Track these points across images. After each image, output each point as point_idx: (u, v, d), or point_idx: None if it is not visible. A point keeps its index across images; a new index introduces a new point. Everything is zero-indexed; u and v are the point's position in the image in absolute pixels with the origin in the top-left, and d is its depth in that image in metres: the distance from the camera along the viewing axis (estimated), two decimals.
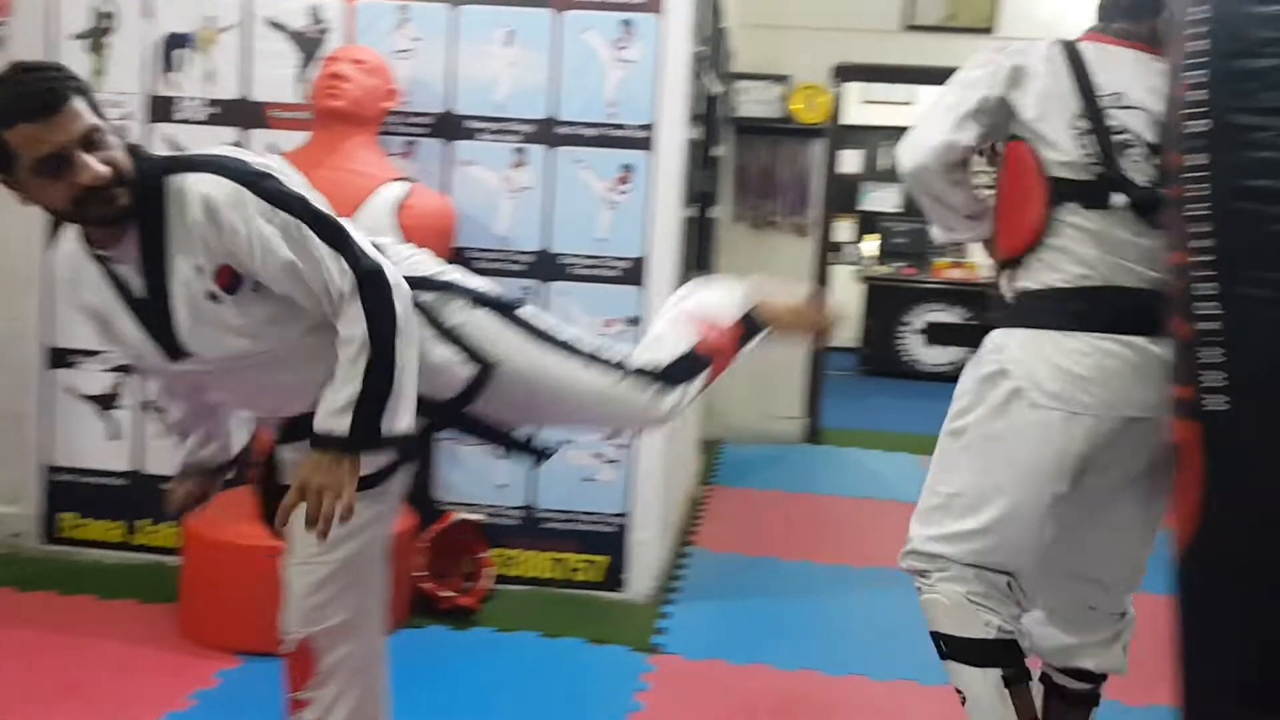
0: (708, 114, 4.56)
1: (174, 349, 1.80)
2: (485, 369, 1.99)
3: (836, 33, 5.98)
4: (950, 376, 8.73)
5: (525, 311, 2.11)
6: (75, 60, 3.56)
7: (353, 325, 1.73)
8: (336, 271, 1.72)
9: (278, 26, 3.62)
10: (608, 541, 3.65)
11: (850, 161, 9.89)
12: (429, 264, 2.07)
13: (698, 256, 4.47)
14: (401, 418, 1.77)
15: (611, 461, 3.64)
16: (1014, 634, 2.16)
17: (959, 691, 2.25)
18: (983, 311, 7.28)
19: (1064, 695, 2.38)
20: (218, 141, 3.28)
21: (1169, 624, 1.70)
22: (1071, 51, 2.08)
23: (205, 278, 1.73)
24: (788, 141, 6.08)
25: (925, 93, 9.31)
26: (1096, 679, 2.36)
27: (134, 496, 3.74)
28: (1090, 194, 1.97)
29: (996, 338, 2.16)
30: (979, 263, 8.78)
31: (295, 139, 3.45)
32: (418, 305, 1.89)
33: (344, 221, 1.81)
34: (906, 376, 8.56)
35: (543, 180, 3.58)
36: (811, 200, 6.15)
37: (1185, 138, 1.32)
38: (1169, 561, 1.45)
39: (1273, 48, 1.22)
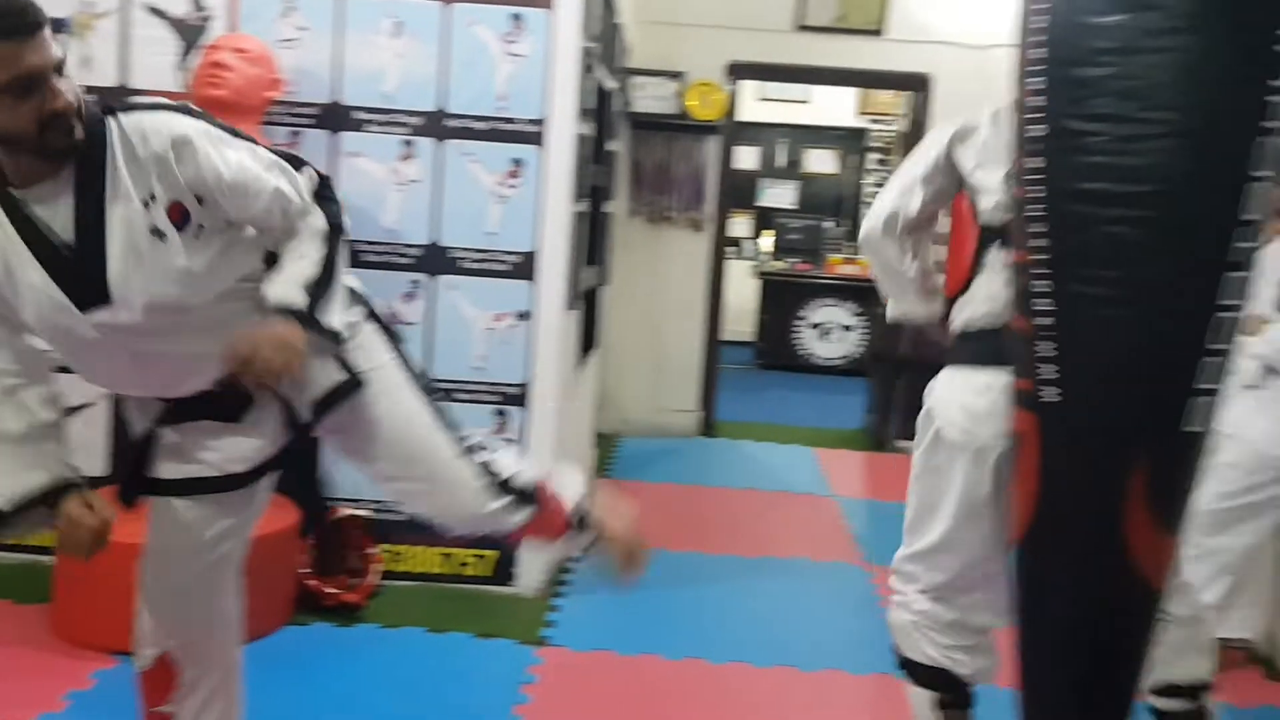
0: (601, 109, 4.58)
1: (92, 297, 1.75)
2: (353, 381, 1.99)
3: (730, 31, 6.05)
4: (842, 370, 8.92)
5: (406, 349, 2.13)
6: None
7: (315, 220, 1.85)
8: (301, 180, 1.87)
9: (157, 13, 3.53)
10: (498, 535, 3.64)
11: (747, 158, 10.01)
12: None
13: (591, 251, 4.48)
14: (336, 315, 1.85)
15: None
16: (949, 666, 2.27)
17: None
18: (873, 308, 7.44)
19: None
20: None
21: None
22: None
23: (156, 210, 1.75)
24: (683, 137, 6.13)
25: (819, 92, 9.52)
26: (1192, 692, 2.33)
27: None
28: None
29: (935, 379, 2.30)
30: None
31: None
32: None
33: None
34: (801, 370, 8.70)
35: (431, 173, 3.56)
36: (707, 196, 6.21)
37: (1026, 142, 1.38)
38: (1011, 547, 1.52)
39: (1105, 57, 1.28)
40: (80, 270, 1.74)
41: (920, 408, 2.31)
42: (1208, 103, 1.27)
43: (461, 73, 3.55)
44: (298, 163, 1.94)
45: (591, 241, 4.46)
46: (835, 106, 9.76)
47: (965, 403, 2.13)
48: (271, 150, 1.91)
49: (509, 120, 3.56)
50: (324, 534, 3.40)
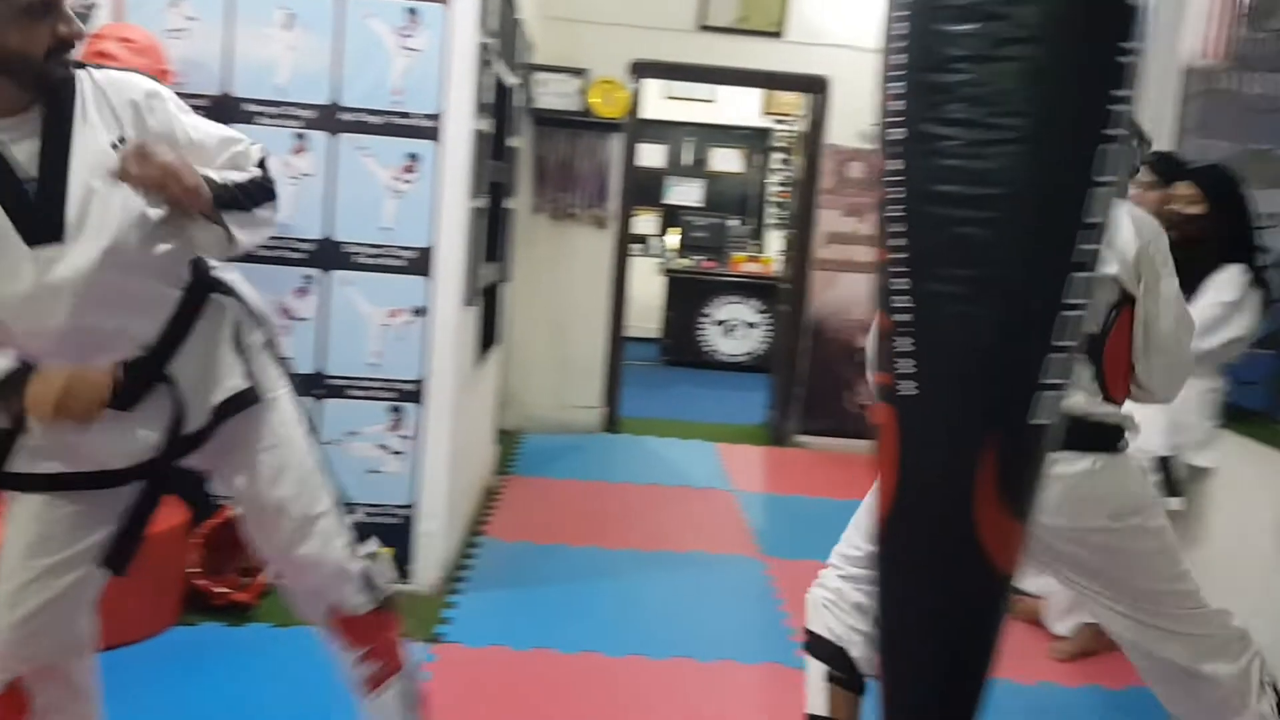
0: (501, 105, 4.57)
1: (44, 231, 1.75)
2: (253, 391, 2.01)
3: (633, 29, 6.08)
4: (746, 367, 9.03)
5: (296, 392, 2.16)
6: None
7: (255, 168, 1.98)
8: (253, 146, 2.02)
9: None
10: (393, 533, 3.62)
11: (653, 156, 10.07)
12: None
13: (491, 248, 4.47)
14: (243, 235, 1.92)
15: (397, 453, 3.62)
16: (845, 645, 2.36)
17: None
18: (775, 304, 7.55)
19: None
20: None
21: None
22: None
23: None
24: (586, 135, 6.14)
25: (725, 92, 9.61)
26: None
27: None
28: None
29: None
30: (772, 256, 9.12)
31: None
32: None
33: None
34: (706, 366, 8.79)
35: (325, 167, 3.52)
36: (611, 193, 6.23)
37: (887, 145, 1.43)
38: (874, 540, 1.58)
39: (959, 64, 1.34)
40: (38, 203, 1.76)
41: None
42: (1054, 110, 1.33)
43: (356, 66, 3.52)
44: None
45: (491, 238, 4.45)
46: (740, 106, 9.87)
47: None
48: None
49: (404, 115, 3.54)
50: (214, 533, 3.34)
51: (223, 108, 3.46)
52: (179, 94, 3.32)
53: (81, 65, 1.85)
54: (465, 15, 3.55)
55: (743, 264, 8.98)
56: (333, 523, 2.13)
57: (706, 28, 6.17)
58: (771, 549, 4.49)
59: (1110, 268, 2.18)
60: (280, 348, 2.17)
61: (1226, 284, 3.17)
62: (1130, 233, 2.21)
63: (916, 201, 1.38)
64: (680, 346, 8.90)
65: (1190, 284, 3.24)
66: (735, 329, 8.88)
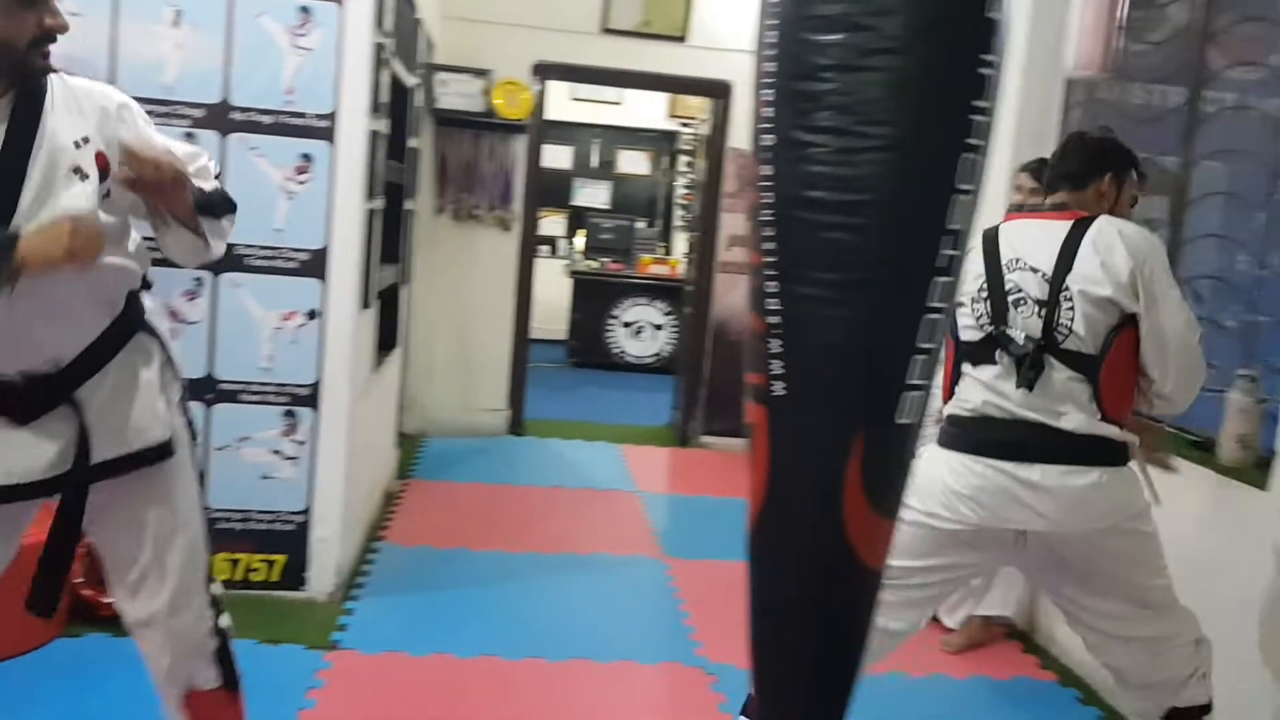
0: (400, 105, 4.53)
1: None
2: (170, 445, 1.99)
3: (537, 31, 6.07)
4: (653, 368, 9.06)
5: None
6: None
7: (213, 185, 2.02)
8: (210, 161, 2.07)
9: None
10: (287, 540, 3.57)
11: (560, 157, 10.06)
12: None
13: (389, 249, 4.42)
14: (215, 243, 2.03)
15: (291, 459, 3.56)
16: None
17: None
18: (681, 306, 7.60)
19: None
20: None
21: None
22: (988, 234, 2.48)
23: (85, 151, 1.83)
24: (490, 135, 6.11)
25: (631, 94, 9.64)
26: (1194, 714, 2.47)
27: None
28: (979, 352, 2.40)
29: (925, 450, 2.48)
30: (679, 259, 9.17)
31: None
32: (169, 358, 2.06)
33: None
34: (613, 368, 8.81)
35: (215, 167, 3.44)
36: (515, 195, 6.21)
37: (758, 150, 1.46)
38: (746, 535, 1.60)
39: (826, 73, 1.37)
40: None
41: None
42: (917, 119, 1.37)
43: (247, 65, 3.45)
44: None
45: (389, 239, 4.40)
46: (647, 109, 9.91)
47: (945, 479, 2.39)
48: None
49: (298, 115, 3.49)
50: None
51: None
52: None
53: (54, 70, 1.86)
54: (360, 14, 3.51)
55: (650, 266, 9.03)
56: (207, 593, 2.10)
57: (610, 30, 6.19)
58: (674, 549, 4.52)
59: (1105, 290, 2.27)
60: (188, 403, 2.15)
61: None
62: (1123, 253, 2.29)
63: (786, 206, 1.41)
64: (587, 348, 8.91)
65: None
66: (642, 331, 8.92)
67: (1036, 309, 2.34)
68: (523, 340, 6.39)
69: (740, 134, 6.20)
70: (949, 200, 1.40)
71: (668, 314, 8.82)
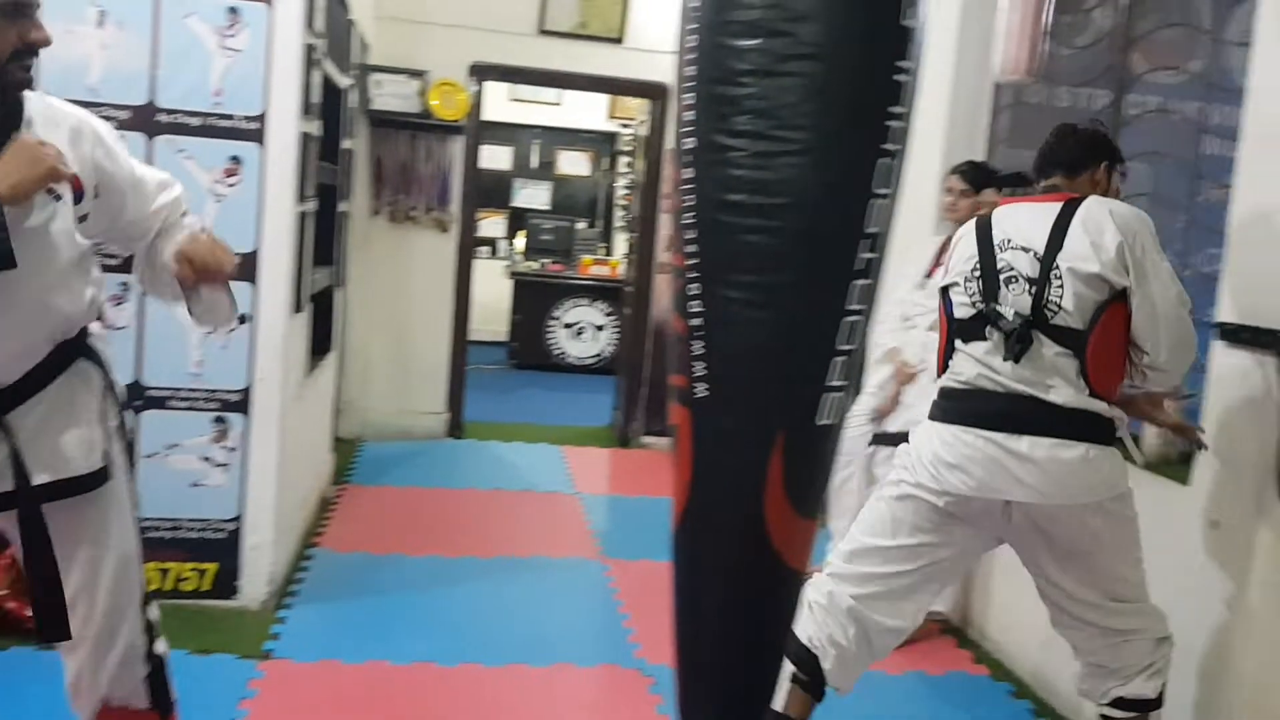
0: (333, 106, 4.48)
1: None
2: (105, 473, 1.96)
3: (473, 32, 6.04)
4: (595, 369, 9.06)
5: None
6: None
7: (194, 220, 2.04)
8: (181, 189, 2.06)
9: None
10: (218, 548, 3.52)
11: (500, 158, 10.02)
12: None
13: (323, 252, 4.37)
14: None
15: (221, 465, 3.51)
16: (818, 651, 2.37)
17: None
18: (622, 307, 7.60)
19: None
20: None
21: None
22: (982, 219, 2.49)
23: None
24: (427, 136, 6.06)
25: (571, 95, 9.62)
26: (1139, 706, 2.53)
27: None
28: (970, 329, 2.42)
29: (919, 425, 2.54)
30: (619, 259, 9.17)
31: None
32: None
33: None
34: (554, 369, 8.79)
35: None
36: (453, 196, 6.17)
37: (680, 154, 1.46)
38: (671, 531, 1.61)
39: (745, 78, 1.38)
40: None
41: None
42: (834, 124, 1.39)
43: (174, 65, 3.40)
44: None
45: (323, 242, 4.35)
46: (587, 110, 9.89)
47: (935, 450, 2.39)
48: None
49: (226, 116, 3.44)
50: None
51: None
52: None
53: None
54: (290, 15, 3.47)
55: (591, 267, 9.02)
56: (141, 618, 2.06)
57: (547, 32, 6.18)
58: (613, 550, 4.52)
59: (1093, 267, 2.33)
60: (130, 431, 2.12)
61: None
62: (1112, 230, 2.35)
63: (707, 210, 1.42)
64: (528, 350, 8.87)
65: None
66: (583, 332, 8.91)
67: (1027, 286, 2.39)
68: (461, 342, 6.35)
69: None
70: (867, 204, 1.42)
71: (609, 315, 8.81)
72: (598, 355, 8.88)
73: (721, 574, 1.53)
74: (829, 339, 1.43)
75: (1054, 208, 2.42)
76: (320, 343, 4.51)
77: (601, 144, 10.44)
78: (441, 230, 6.18)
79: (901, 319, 3.96)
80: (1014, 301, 2.39)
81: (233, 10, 3.42)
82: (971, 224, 2.54)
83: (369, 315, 6.02)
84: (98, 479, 1.95)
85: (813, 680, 2.40)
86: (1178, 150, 3.46)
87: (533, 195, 10.39)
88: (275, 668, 3.18)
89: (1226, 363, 2.67)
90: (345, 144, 5.02)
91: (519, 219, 10.03)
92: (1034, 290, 2.38)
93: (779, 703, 2.45)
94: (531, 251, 9.27)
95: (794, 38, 1.35)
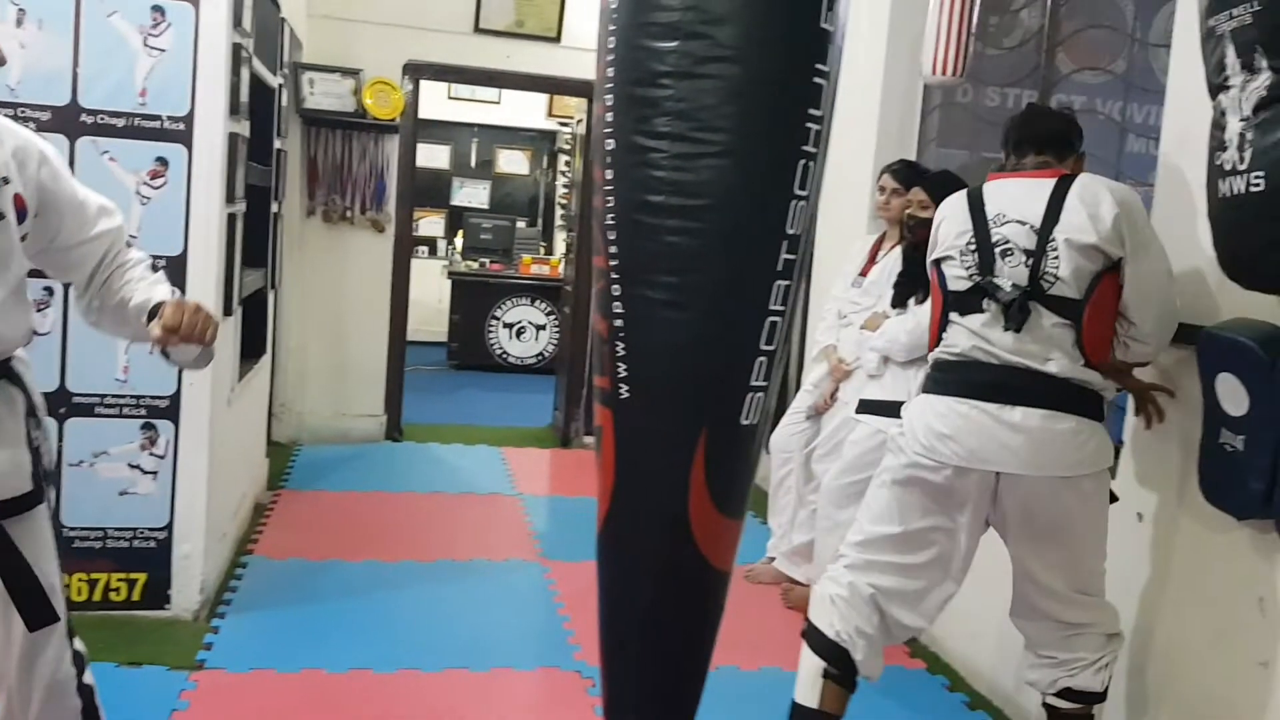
0: (264, 106, 4.41)
1: None
2: (33, 497, 1.90)
3: (408, 30, 5.99)
4: (536, 369, 9.02)
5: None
6: None
7: (142, 255, 2.00)
8: (122, 219, 2.02)
9: None
10: (148, 557, 3.45)
11: (438, 157, 9.95)
12: None
13: (254, 254, 4.31)
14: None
15: (150, 473, 3.44)
16: (848, 645, 2.48)
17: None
18: (562, 307, 7.58)
19: (1056, 716, 2.62)
20: None
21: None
22: (972, 193, 2.58)
23: (5, 193, 1.77)
24: (362, 136, 6.00)
25: (510, 93, 9.58)
26: (1085, 698, 2.58)
27: None
28: (967, 301, 2.49)
29: (910, 401, 2.67)
30: (559, 259, 9.15)
31: None
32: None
33: None
34: (495, 369, 8.75)
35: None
36: (389, 196, 6.11)
37: (601, 154, 1.46)
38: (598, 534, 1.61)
39: (665, 80, 1.38)
40: None
41: None
42: (753, 126, 1.40)
43: (97, 66, 3.33)
44: None
45: (254, 244, 4.28)
46: (526, 108, 9.86)
47: (928, 422, 2.47)
48: None
49: (152, 117, 3.37)
50: None
51: None
52: None
53: None
54: (216, 14, 3.42)
55: (531, 266, 8.99)
56: (68, 649, 2.00)
57: (483, 30, 6.15)
58: (553, 552, 4.51)
59: (1090, 238, 2.38)
60: (51, 454, 2.06)
61: None
62: (1110, 203, 2.41)
63: (627, 210, 1.42)
64: (468, 350, 8.82)
65: (923, 279, 3.45)
66: (524, 331, 8.88)
67: (1024, 259, 2.44)
68: (399, 344, 6.29)
69: None
70: (787, 205, 1.42)
71: (549, 314, 8.79)
72: (539, 355, 8.86)
73: (647, 575, 1.53)
74: (751, 340, 1.44)
75: (1048, 182, 2.48)
76: (253, 346, 4.44)
77: (541, 142, 10.42)
78: (378, 230, 6.12)
79: (838, 316, 4.00)
80: (1010, 273, 2.44)
81: (157, 9, 3.35)
82: (959, 200, 2.60)
83: (304, 317, 5.94)
84: (26, 502, 1.90)
85: (844, 673, 2.49)
86: (1102, 149, 3.53)
87: (472, 194, 10.34)
88: (208, 678, 3.12)
89: None
90: (277, 144, 4.95)
91: (458, 218, 9.97)
92: (1030, 262, 2.43)
93: (812, 699, 2.49)
94: (471, 251, 9.22)
95: (712, 40, 1.35)
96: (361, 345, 6.16)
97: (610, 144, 1.44)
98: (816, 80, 1.41)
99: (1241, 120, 2.02)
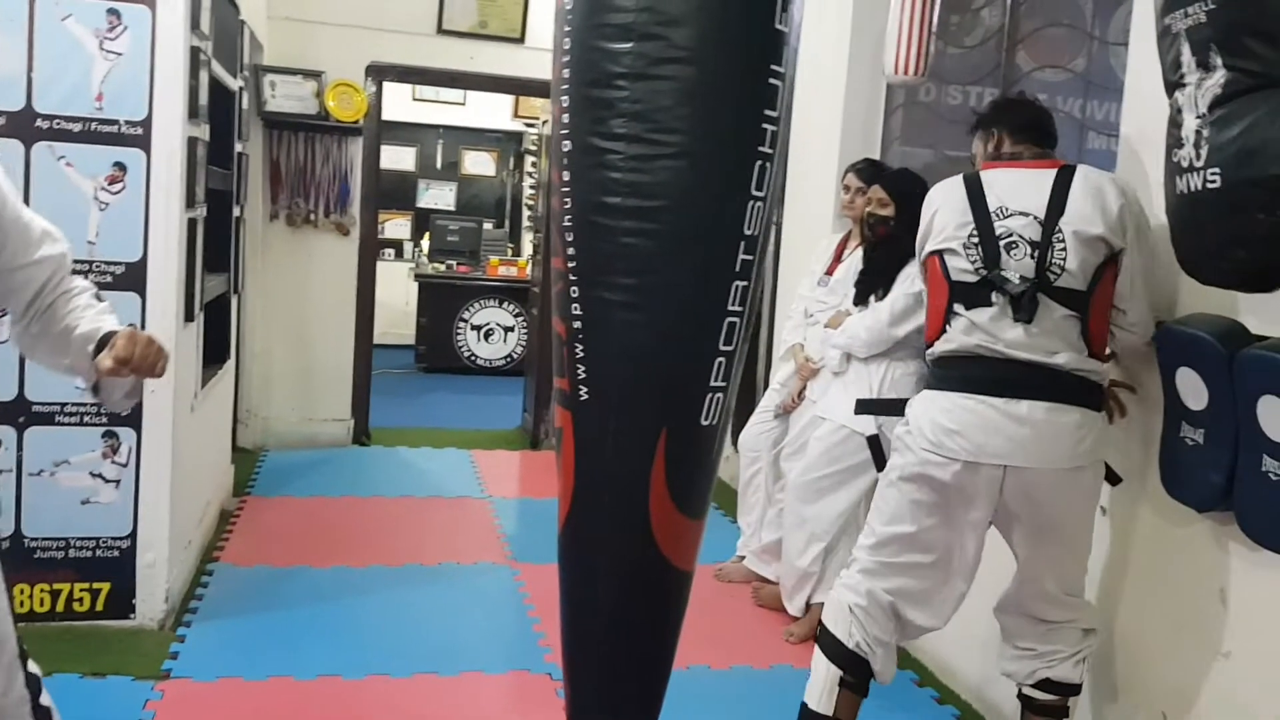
0: (224, 109, 4.37)
1: None
2: None
3: (370, 31, 5.95)
4: (505, 371, 8.96)
5: None
6: None
7: (87, 284, 1.91)
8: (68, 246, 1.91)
9: None
10: (111, 567, 3.41)
11: (403, 159, 9.90)
12: None
13: (216, 258, 4.26)
14: None
15: (113, 482, 3.40)
16: (867, 655, 2.51)
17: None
18: (530, 308, 7.55)
19: (1032, 706, 2.67)
20: None
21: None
22: (970, 182, 2.54)
23: None
24: (325, 138, 5.95)
25: (475, 94, 9.55)
26: (1062, 690, 2.61)
27: None
28: (974, 294, 2.46)
29: (915, 398, 2.63)
30: (526, 260, 9.13)
31: None
32: None
33: None
34: (463, 371, 8.71)
35: (19, 177, 3.27)
36: (354, 198, 6.07)
37: (558, 155, 1.46)
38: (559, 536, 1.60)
39: (621, 81, 1.38)
40: None
41: None
42: (709, 127, 1.39)
43: (52, 69, 3.29)
44: None
45: (215, 248, 4.24)
46: (491, 109, 9.83)
47: (934, 418, 2.46)
48: None
49: (109, 121, 3.34)
50: None
51: None
52: None
53: None
54: (173, 17, 3.38)
55: (498, 268, 8.95)
56: (20, 673, 1.97)
57: (446, 32, 6.12)
58: (523, 554, 4.49)
59: (1097, 229, 2.39)
60: None
61: (914, 276, 3.40)
62: (1114, 194, 2.44)
63: (584, 212, 1.41)
64: (436, 353, 8.78)
65: (883, 276, 3.48)
66: (492, 333, 8.84)
67: (1029, 250, 2.43)
68: (366, 347, 6.25)
69: None
70: (744, 206, 1.42)
71: (517, 316, 8.76)
72: (507, 357, 8.83)
73: (608, 577, 1.53)
74: (709, 340, 1.44)
75: (1048, 173, 2.49)
76: (216, 352, 4.40)
77: (507, 144, 10.39)
78: (342, 234, 6.07)
79: (805, 315, 4.02)
80: (1016, 266, 2.43)
81: (113, 12, 3.32)
82: (955, 189, 2.56)
83: (269, 322, 5.89)
84: None
85: (860, 681, 2.52)
86: (1062, 146, 3.53)
87: (438, 196, 10.30)
88: (174, 688, 3.09)
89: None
90: (239, 148, 4.91)
91: (424, 220, 9.92)
92: (1036, 254, 2.43)
93: (827, 707, 2.51)
94: (437, 253, 9.17)
95: (667, 41, 1.35)
96: (327, 350, 6.11)
97: (566, 145, 1.43)
98: (772, 81, 1.41)
99: (1197, 118, 2.04)
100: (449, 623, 3.77)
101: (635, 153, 1.38)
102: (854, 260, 3.78)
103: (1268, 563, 2.23)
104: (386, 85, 6.16)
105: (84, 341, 1.82)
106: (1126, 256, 2.45)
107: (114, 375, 1.75)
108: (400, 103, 8.92)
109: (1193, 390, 2.31)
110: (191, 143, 3.56)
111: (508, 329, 8.84)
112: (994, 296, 2.45)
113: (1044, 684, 2.61)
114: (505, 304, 8.79)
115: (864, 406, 3.48)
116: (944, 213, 2.55)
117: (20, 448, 3.31)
